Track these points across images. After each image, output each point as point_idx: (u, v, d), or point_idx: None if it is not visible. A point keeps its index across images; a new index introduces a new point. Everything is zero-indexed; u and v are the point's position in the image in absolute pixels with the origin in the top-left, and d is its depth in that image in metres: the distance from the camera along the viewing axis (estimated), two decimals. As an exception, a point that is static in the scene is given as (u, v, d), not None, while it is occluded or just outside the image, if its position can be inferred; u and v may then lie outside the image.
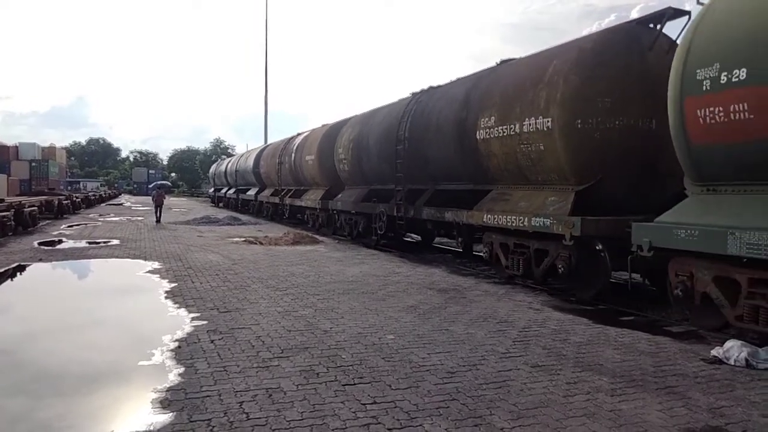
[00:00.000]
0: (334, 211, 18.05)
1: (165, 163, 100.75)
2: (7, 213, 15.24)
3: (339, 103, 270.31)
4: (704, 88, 6.03)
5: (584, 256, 7.92)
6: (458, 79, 12.23)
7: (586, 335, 6.08)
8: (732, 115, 5.75)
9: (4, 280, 9.33)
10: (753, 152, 5.68)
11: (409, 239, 16.35)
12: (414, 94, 13.79)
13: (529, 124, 8.72)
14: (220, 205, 44.98)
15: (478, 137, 9.99)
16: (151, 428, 3.59)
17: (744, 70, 5.64)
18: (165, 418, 3.74)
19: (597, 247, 7.74)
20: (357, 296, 7.98)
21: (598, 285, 7.93)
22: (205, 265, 10.72)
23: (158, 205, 23.59)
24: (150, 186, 40.02)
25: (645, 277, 7.64)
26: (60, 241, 15.15)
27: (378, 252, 13.76)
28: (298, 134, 24.95)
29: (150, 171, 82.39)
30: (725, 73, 5.82)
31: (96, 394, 4.34)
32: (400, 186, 13.16)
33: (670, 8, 7.80)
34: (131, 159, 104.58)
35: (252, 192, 31.82)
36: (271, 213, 27.80)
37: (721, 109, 5.86)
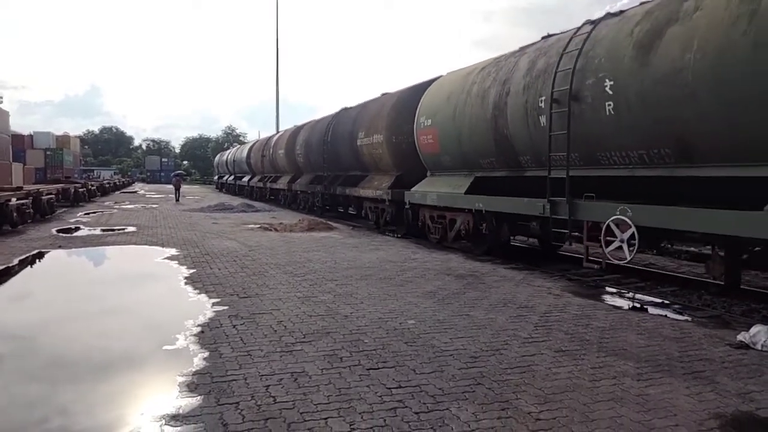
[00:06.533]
0: (296, 191, 24.63)
1: (177, 151, 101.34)
2: (26, 201, 15.41)
3: (349, 92, 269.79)
4: (422, 126, 12.64)
5: (399, 210, 14.05)
6: (357, 105, 18.68)
7: (608, 320, 6.04)
8: (428, 140, 12.42)
9: (25, 267, 9.45)
10: (436, 158, 12.40)
11: (352, 212, 20.87)
12: (342, 109, 19.96)
13: (376, 138, 15.32)
14: (223, 190, 46.91)
15: (358, 144, 16.60)
16: (180, 411, 3.61)
17: (430, 119, 12.27)
18: (193, 401, 3.76)
19: (405, 207, 13.44)
20: (375, 282, 7.98)
21: (404, 227, 14.03)
22: (223, 252, 10.78)
23: (177, 188, 32.15)
24: (171, 174, 46.48)
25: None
26: (78, 229, 15.33)
27: (392, 238, 13.77)
28: (276, 133, 32.67)
29: (163, 159, 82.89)
30: (426, 120, 12.42)
31: (123, 377, 4.37)
32: (327, 173, 19.87)
33: (442, 75, 13.24)
34: (144, 147, 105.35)
35: (246, 179, 38.60)
36: (258, 195, 33.89)
37: (425, 137, 12.52)
